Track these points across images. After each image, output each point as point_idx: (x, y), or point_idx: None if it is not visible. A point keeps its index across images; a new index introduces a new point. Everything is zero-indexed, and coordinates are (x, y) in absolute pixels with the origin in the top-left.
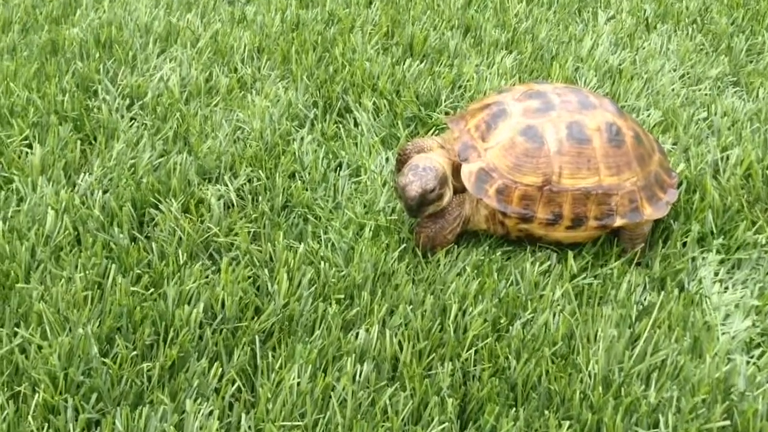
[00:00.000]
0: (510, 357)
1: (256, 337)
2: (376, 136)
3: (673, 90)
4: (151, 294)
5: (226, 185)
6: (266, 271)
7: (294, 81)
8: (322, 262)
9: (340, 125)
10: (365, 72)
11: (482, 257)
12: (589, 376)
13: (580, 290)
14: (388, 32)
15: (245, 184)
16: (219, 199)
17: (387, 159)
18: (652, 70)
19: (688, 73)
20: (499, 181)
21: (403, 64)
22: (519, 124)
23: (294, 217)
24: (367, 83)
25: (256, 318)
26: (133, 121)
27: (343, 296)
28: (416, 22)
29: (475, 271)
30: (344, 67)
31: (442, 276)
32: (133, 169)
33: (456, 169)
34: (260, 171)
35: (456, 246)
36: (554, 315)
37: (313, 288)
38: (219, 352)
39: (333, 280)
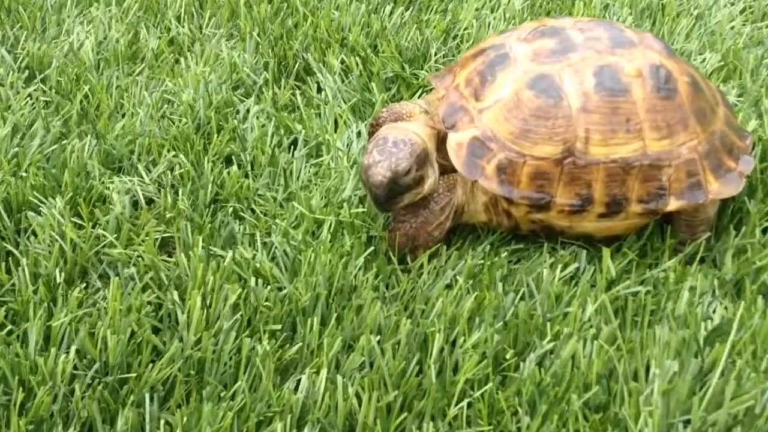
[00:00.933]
0: (520, 411)
1: (146, 395)
2: (345, 103)
3: (732, 28)
4: (9, 334)
5: (140, 176)
6: (174, 294)
7: (242, 40)
8: (254, 278)
9: (298, 92)
10: (332, 23)
11: (481, 261)
12: None
13: (622, 304)
14: None
15: (165, 173)
16: (125, 195)
17: (359, 133)
18: (703, 4)
19: (750, 7)
20: (501, 155)
21: (382, 11)
22: (527, 73)
23: (224, 216)
24: (335, 37)
25: (152, 365)
26: (29, 98)
27: (280, 327)
28: None
29: (471, 282)
30: (306, 19)
31: (424, 290)
32: (15, 160)
33: (443, 142)
34: (185, 155)
35: (445, 246)
36: (585, 343)
37: (237, 317)
38: (93, 418)
39: (267, 303)
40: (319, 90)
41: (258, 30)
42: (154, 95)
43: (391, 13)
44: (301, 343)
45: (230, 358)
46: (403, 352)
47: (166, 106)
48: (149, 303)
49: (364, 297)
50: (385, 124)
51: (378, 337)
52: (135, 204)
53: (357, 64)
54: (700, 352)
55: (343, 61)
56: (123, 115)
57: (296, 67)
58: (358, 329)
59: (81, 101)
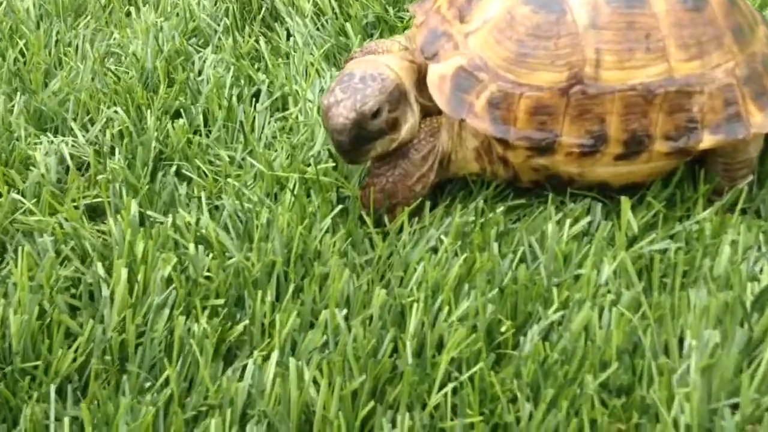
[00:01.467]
0: (520, 397)
1: (52, 386)
2: (317, 50)
3: None
4: None
5: (74, 136)
6: (99, 266)
7: None
8: (194, 246)
9: (263, 40)
10: None
11: (472, 219)
12: (675, 427)
13: (647, 263)
14: None
15: (102, 131)
16: (51, 156)
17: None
18: None
19: None
20: (492, 86)
21: None
22: None
23: (165, 176)
24: None
25: (62, 351)
26: None
27: (222, 302)
28: None
29: (459, 244)
30: None
31: (403, 255)
32: None
33: (425, 79)
34: (125, 110)
35: (429, 204)
36: (601, 311)
37: (170, 291)
38: None
39: (209, 274)
40: (288, 37)
41: None
42: (98, 48)
43: None
44: (248, 321)
45: (160, 342)
46: (375, 328)
47: (111, 60)
48: (67, 278)
49: (329, 264)
50: None
51: (345, 311)
52: (61, 167)
53: (332, 7)
54: (747, 319)
55: (315, 4)
56: (59, 70)
57: (262, 12)
58: (320, 303)
59: (15, 58)
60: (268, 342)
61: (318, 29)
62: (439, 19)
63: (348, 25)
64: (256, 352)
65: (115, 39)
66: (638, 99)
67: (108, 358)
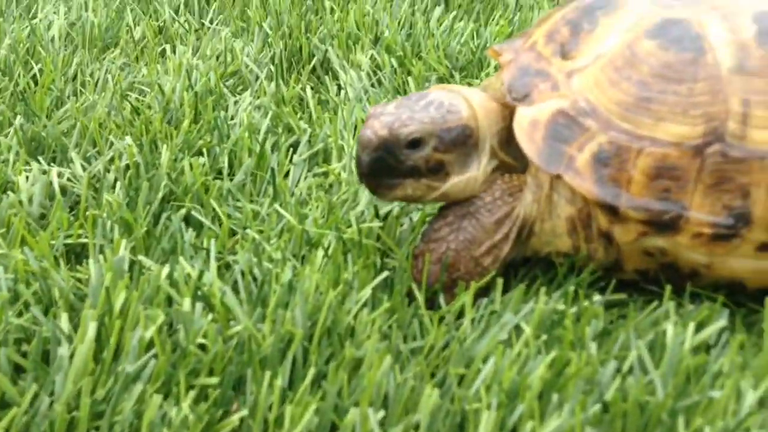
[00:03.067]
0: None
1: None
2: (371, 105)
3: None
4: None
5: (72, 164)
6: (63, 317)
7: (248, 32)
8: (190, 302)
9: (309, 90)
10: (365, 17)
11: (561, 307)
12: None
13: None
14: None
15: (108, 165)
16: (39, 184)
17: None
18: None
19: None
20: (601, 137)
21: (429, 14)
22: (645, 17)
23: (172, 220)
24: (367, 30)
25: None
26: None
27: (217, 381)
28: None
29: (544, 337)
30: (332, 11)
31: (465, 346)
32: None
33: (510, 128)
34: (138, 144)
35: (501, 283)
36: None
37: (148, 358)
38: None
39: (203, 342)
40: (339, 92)
41: (272, 21)
42: (119, 78)
43: (442, 17)
44: (247, 412)
45: (123, 429)
46: None
47: (134, 95)
48: (21, 328)
49: (364, 347)
50: None
51: (381, 414)
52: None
53: (390, 63)
54: None
55: (373, 58)
56: (76, 100)
57: (312, 62)
58: (349, 399)
59: (27, 83)
60: None
61: (373, 85)
62: (533, 56)
63: (410, 80)
64: None
65: (143, 75)
66: None
67: None
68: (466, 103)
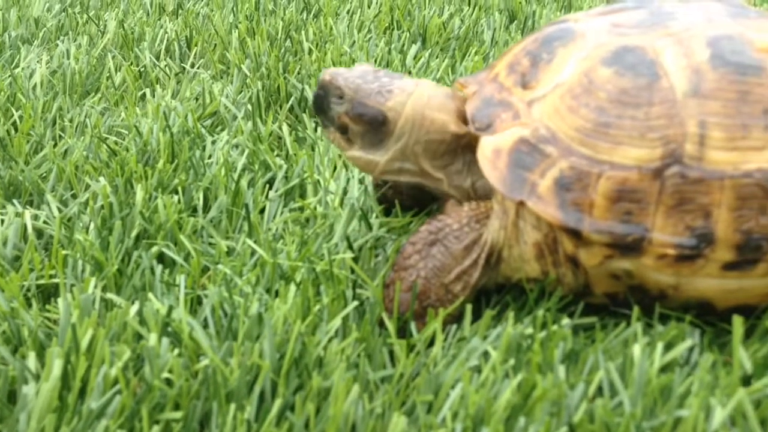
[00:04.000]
0: None
1: None
2: None
3: None
4: None
5: (47, 206)
6: (30, 356)
7: (228, 74)
8: (157, 337)
9: (288, 125)
10: (342, 56)
11: (529, 331)
12: None
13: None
14: (391, 25)
15: (83, 206)
16: (13, 227)
17: (362, 179)
18: None
19: None
20: (562, 163)
21: (406, 50)
22: (603, 46)
23: (141, 257)
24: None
25: None
26: None
27: (180, 416)
28: (429, 4)
29: (512, 362)
30: (310, 53)
31: (434, 372)
32: None
33: (467, 149)
34: (112, 184)
35: (470, 310)
36: None
37: (113, 394)
38: None
39: (168, 377)
40: (317, 128)
41: (250, 63)
42: (98, 122)
43: (419, 54)
44: None
45: None
46: None
47: (112, 138)
48: None
49: (332, 378)
50: None
51: None
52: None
53: None
54: None
55: None
56: (55, 144)
57: (290, 101)
58: (315, 428)
59: (8, 130)
60: None
61: None
62: (495, 87)
63: None
64: None
65: (122, 119)
66: (756, 190)
67: None
68: (412, 100)
